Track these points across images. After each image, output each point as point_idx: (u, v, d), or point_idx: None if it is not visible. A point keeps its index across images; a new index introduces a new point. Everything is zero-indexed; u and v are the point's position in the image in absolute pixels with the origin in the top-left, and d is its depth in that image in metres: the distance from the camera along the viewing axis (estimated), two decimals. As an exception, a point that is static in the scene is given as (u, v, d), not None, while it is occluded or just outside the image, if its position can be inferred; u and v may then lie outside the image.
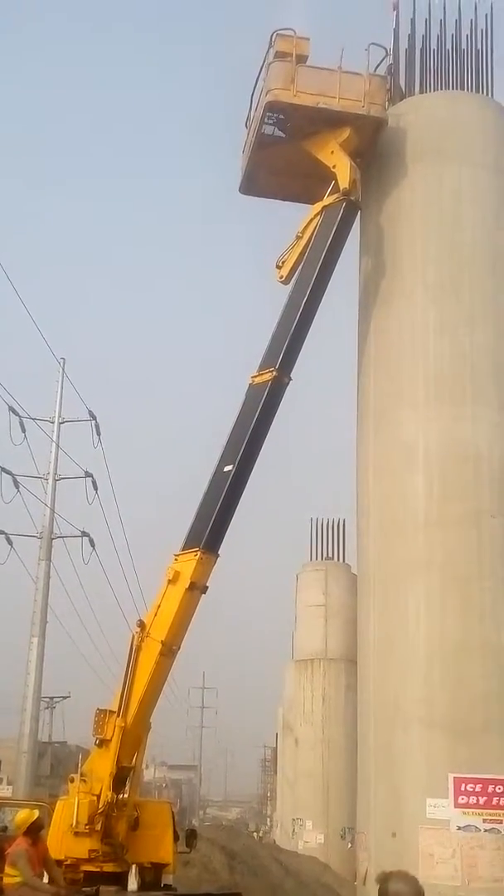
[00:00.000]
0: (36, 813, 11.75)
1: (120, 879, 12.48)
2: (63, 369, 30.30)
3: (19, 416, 28.72)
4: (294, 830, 34.73)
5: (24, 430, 28.91)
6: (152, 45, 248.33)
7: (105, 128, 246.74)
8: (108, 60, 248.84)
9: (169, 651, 13.24)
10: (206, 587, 13.50)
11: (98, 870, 12.52)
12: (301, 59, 14.87)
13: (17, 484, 28.97)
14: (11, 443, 28.41)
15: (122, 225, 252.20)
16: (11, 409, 28.39)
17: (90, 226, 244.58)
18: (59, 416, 30.38)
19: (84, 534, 30.57)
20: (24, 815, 11.74)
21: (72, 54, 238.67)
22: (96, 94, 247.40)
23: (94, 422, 31.18)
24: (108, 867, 12.57)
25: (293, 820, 35.51)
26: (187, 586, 13.09)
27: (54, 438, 30.10)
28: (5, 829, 12.03)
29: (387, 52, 15.71)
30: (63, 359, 30.64)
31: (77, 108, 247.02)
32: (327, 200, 14.79)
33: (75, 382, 32.20)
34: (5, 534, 28.95)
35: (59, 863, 12.05)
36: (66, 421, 30.68)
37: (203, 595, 13.55)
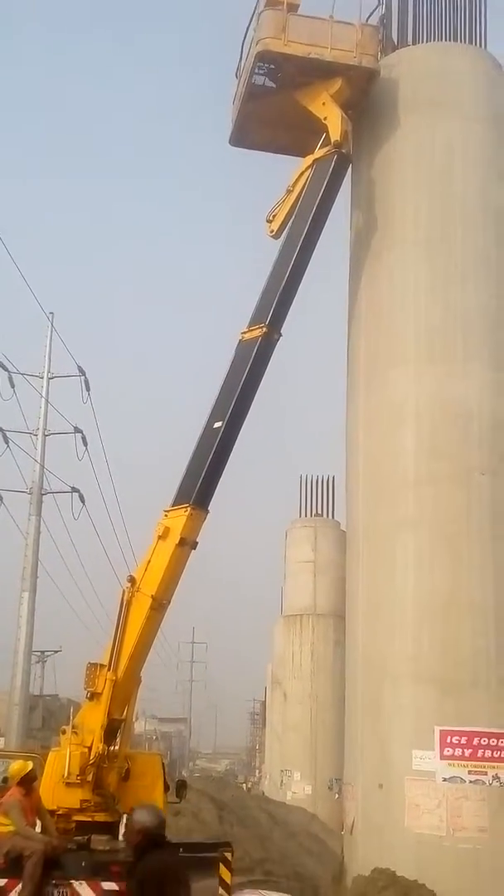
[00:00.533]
0: (29, 764, 11.92)
1: (111, 829, 12.69)
2: (52, 324, 30.13)
3: (8, 372, 28.61)
4: (282, 781, 35.31)
5: (13, 386, 28.81)
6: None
7: (104, 74, 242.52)
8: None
9: (159, 606, 13.33)
10: (196, 543, 13.56)
11: (90, 819, 12.71)
12: (292, 7, 14.58)
13: (6, 439, 28.98)
14: (0, 398, 28.36)
15: (117, 178, 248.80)
16: (0, 365, 28.29)
17: (82, 179, 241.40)
18: (49, 372, 30.26)
19: (74, 490, 30.61)
20: (17, 766, 11.92)
21: None
22: (81, 37, 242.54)
23: (83, 377, 31.07)
24: (100, 817, 12.76)
25: (281, 771, 36.10)
26: (177, 542, 13.15)
27: (43, 394, 29.99)
28: (6, 780, 12.19)
29: (379, 1, 15.44)
30: (52, 313, 30.44)
31: (59, 51, 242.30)
32: (318, 153, 14.58)
33: (64, 338, 32.01)
34: (-5, 488, 28.97)
35: (51, 813, 12.25)
36: (56, 376, 30.55)
37: (193, 551, 13.63)
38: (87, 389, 31.07)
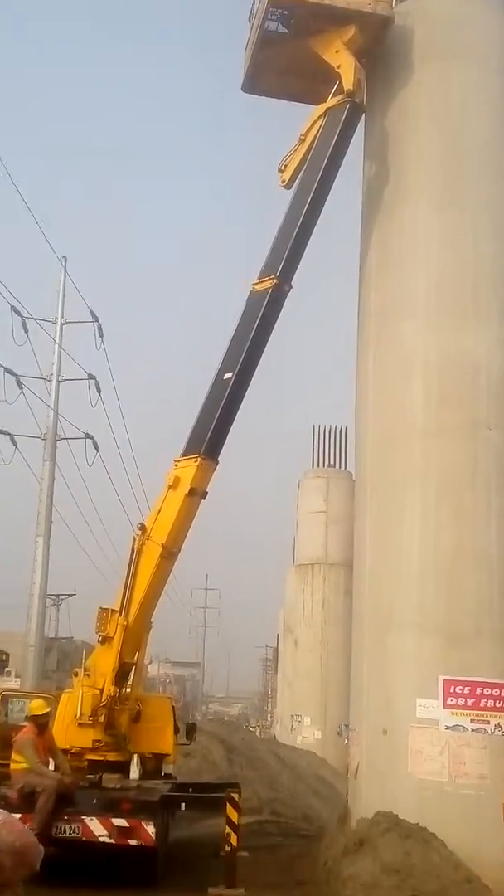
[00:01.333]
0: (48, 706, 12.32)
1: (122, 768, 13.12)
2: (65, 268, 30.06)
3: (21, 317, 28.61)
4: (293, 726, 36.03)
5: (26, 331, 28.86)
6: None
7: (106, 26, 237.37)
8: None
9: (169, 554, 13.61)
10: (206, 493, 13.77)
11: (101, 758, 13.16)
12: (307, -49, 14.30)
13: (20, 385, 29.10)
14: (14, 343, 28.39)
15: (126, 117, 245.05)
16: (14, 310, 28.27)
17: (91, 118, 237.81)
18: (62, 317, 30.25)
19: (88, 436, 30.83)
20: (39, 703, 12.34)
21: None
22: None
23: (96, 323, 31.05)
24: (111, 756, 13.21)
25: (292, 716, 36.82)
26: (187, 492, 13.37)
27: (57, 340, 30.04)
28: (28, 718, 12.62)
29: None
30: (65, 257, 30.36)
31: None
32: (331, 102, 14.43)
33: (78, 283, 31.94)
34: (10, 434, 29.18)
35: (63, 752, 12.68)
36: (69, 322, 30.54)
37: (203, 500, 13.83)
38: (101, 336, 31.15)
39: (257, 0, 15.12)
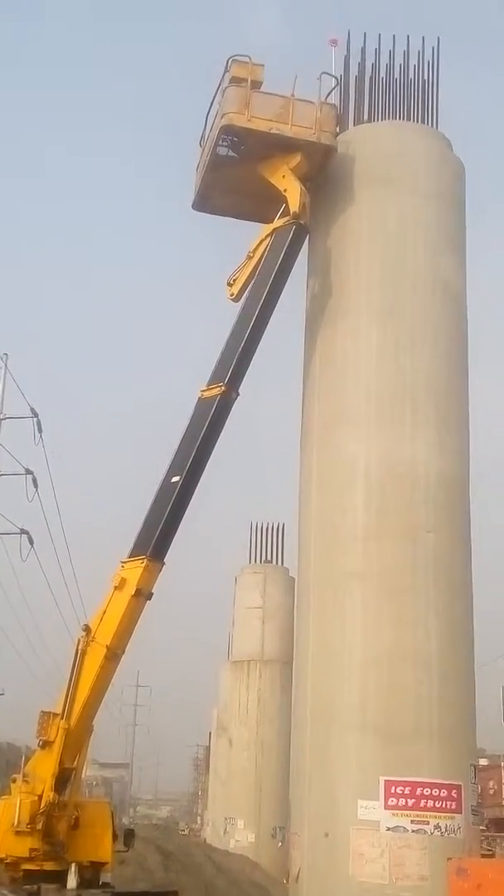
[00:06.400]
0: None
1: (59, 877, 12.79)
2: (5, 365, 30.47)
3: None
4: (226, 829, 35.19)
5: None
6: (109, 51, 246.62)
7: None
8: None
9: (113, 655, 13.60)
10: (152, 594, 13.90)
11: (38, 868, 12.82)
12: (256, 84, 15.29)
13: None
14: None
15: (69, 222, 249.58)
16: (-47, 407, 28.41)
17: (43, 228, 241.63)
18: (1, 413, 30.50)
19: (23, 531, 30.69)
20: None
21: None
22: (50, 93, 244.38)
23: (35, 419, 31.34)
24: (49, 865, 12.88)
25: (225, 819, 35.98)
26: (133, 593, 13.48)
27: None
28: None
29: (337, 81, 16.22)
30: (6, 354, 30.78)
31: (32, 107, 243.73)
32: (277, 223, 15.26)
33: (17, 379, 32.32)
34: None
35: (-1, 861, 12.34)
36: (7, 417, 30.82)
37: (148, 601, 13.95)
38: (40, 431, 31.37)
39: (209, 126, 16.04)
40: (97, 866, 13.68)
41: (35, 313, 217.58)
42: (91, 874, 13.48)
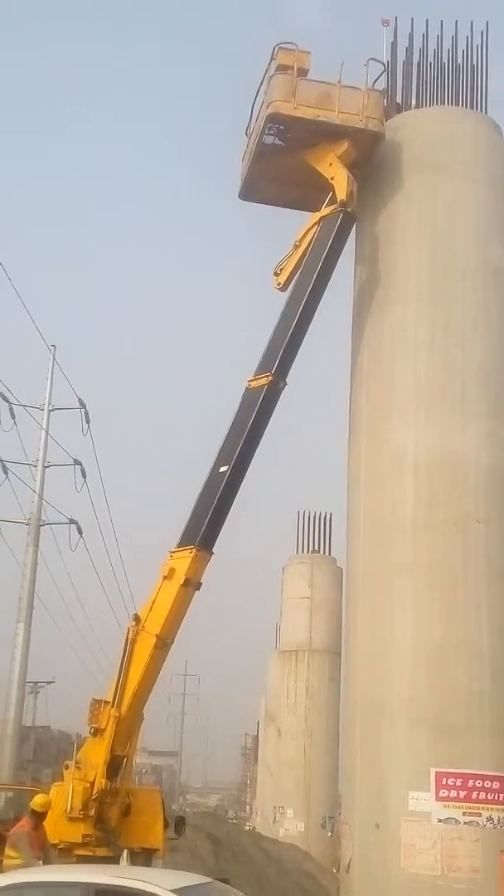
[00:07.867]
0: (51, 801, 12.20)
1: (112, 863, 12.96)
2: (53, 356, 30.69)
3: (9, 403, 29.09)
4: (275, 818, 35.30)
5: (13, 417, 29.30)
6: (153, 47, 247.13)
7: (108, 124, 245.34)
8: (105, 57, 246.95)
9: (163, 644, 13.73)
10: (201, 584, 13.99)
11: (91, 854, 13.00)
12: (302, 72, 15.19)
13: (5, 470, 29.44)
14: (1, 429, 28.78)
15: (120, 219, 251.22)
16: (1, 396, 28.75)
17: (88, 216, 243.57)
18: (49, 404, 30.75)
19: (72, 521, 31.02)
20: (43, 799, 12.23)
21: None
22: (95, 81, 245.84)
23: (83, 409, 31.64)
24: (101, 851, 13.06)
25: (274, 808, 36.11)
26: (182, 583, 13.58)
27: (44, 426, 30.44)
28: (33, 812, 12.46)
29: (385, 66, 16.06)
30: (54, 346, 31.01)
31: (74, 101, 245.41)
32: (325, 211, 15.16)
33: (66, 370, 32.59)
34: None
35: (52, 846, 12.55)
36: (56, 408, 31.07)
37: (197, 591, 14.04)
38: (87, 421, 31.65)
39: (255, 115, 15.98)
40: (149, 853, 13.84)
41: (87, 306, 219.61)
42: (143, 860, 13.63)
